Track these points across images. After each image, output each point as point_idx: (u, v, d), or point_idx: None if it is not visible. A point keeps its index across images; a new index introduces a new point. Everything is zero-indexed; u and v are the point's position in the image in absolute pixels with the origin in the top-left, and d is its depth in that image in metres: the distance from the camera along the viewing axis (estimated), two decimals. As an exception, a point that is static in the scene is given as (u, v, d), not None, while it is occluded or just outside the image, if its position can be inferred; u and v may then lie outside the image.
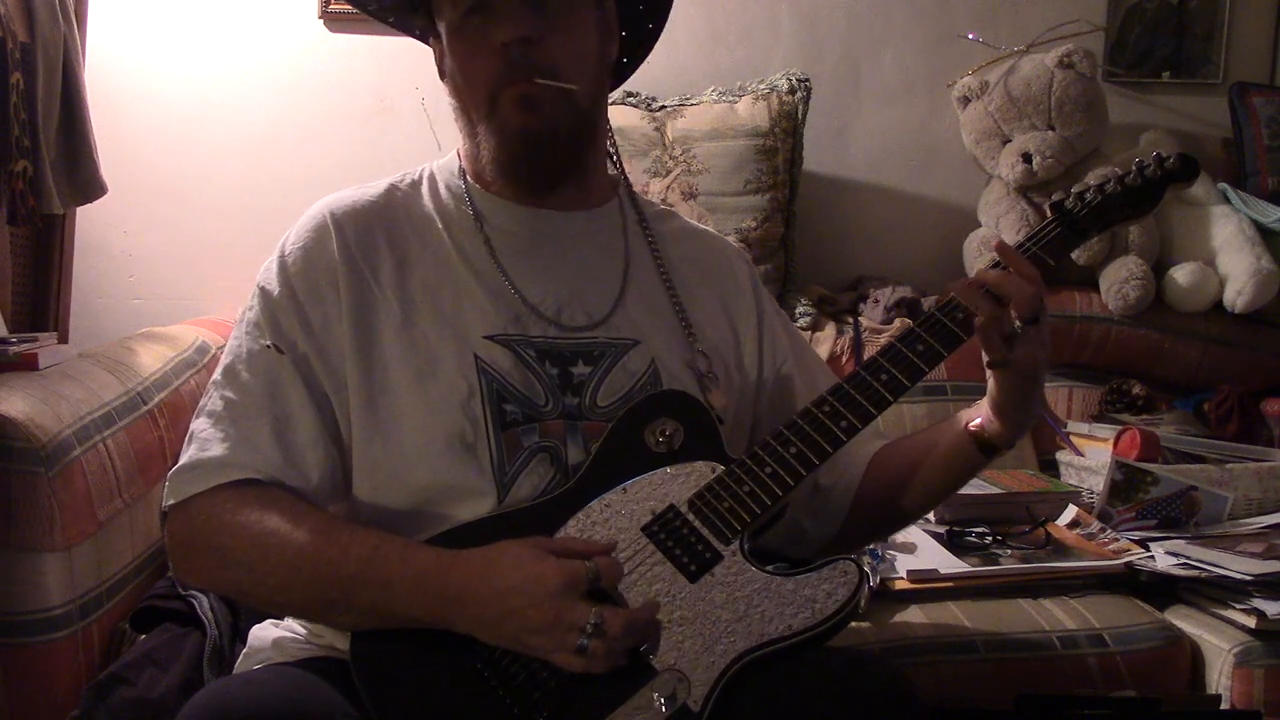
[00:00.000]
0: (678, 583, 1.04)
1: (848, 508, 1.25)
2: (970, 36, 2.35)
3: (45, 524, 1.36)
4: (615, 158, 1.32)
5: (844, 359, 2.06)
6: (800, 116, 2.20)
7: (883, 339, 2.05)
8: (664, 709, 0.99)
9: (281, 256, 1.17)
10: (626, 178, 1.32)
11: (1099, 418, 2.12)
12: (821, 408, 1.10)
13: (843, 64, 2.42)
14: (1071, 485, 1.92)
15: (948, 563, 1.58)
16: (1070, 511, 1.78)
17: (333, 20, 2.26)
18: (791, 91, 2.21)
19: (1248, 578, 1.50)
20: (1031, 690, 1.37)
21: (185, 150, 2.25)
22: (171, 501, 1.09)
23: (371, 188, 1.23)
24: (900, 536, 1.65)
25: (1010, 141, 2.25)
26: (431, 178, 1.25)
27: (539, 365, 1.14)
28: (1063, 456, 2.05)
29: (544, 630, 0.97)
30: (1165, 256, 2.22)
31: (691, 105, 2.22)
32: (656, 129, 2.17)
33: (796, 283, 2.23)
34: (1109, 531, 1.72)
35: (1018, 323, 1.09)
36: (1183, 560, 1.59)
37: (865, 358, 1.74)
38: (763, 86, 2.22)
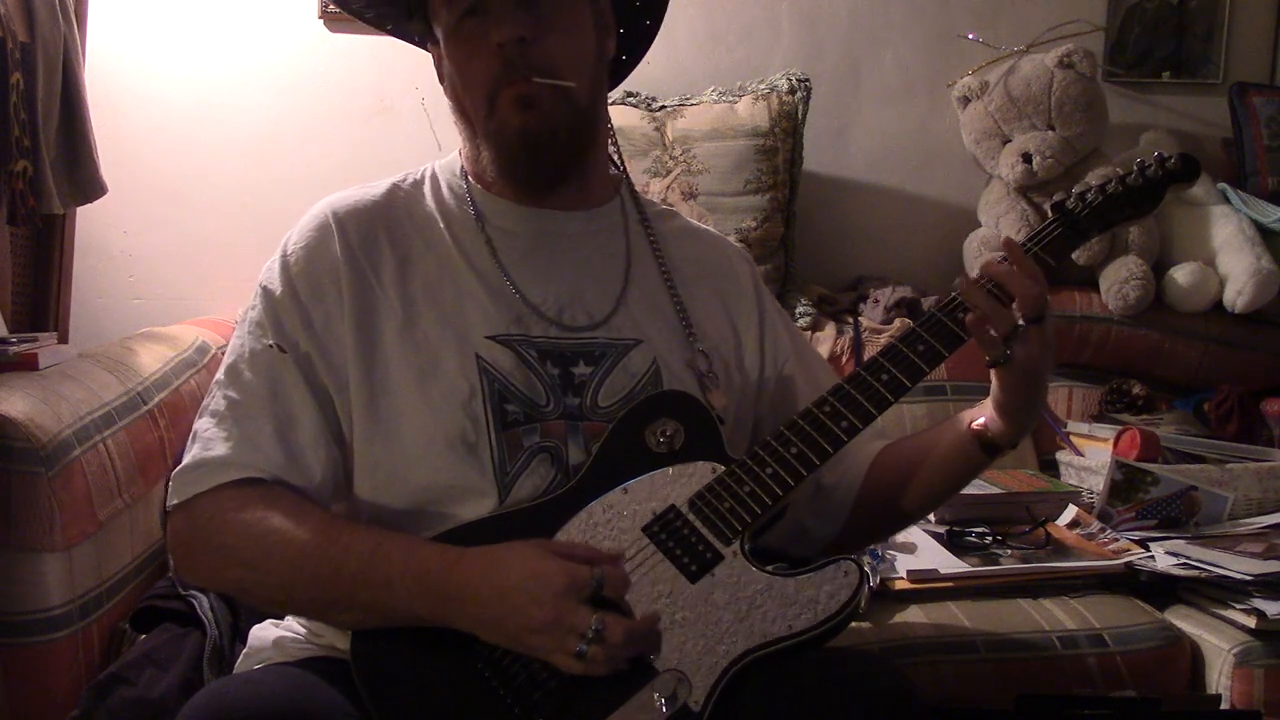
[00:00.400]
0: (678, 583, 1.04)
1: (850, 507, 1.25)
2: (970, 36, 2.35)
3: (45, 524, 1.36)
4: (618, 156, 1.32)
5: (844, 359, 2.06)
6: (800, 116, 2.20)
7: (883, 339, 2.05)
8: (665, 709, 0.99)
9: (284, 256, 1.17)
10: (628, 177, 1.32)
11: (1099, 418, 2.12)
12: (822, 408, 1.10)
13: (843, 64, 2.42)
14: (1071, 485, 1.92)
15: (948, 563, 1.58)
16: (1070, 511, 1.78)
17: (333, 20, 2.26)
18: (791, 91, 2.21)
19: (1248, 578, 1.50)
20: (1031, 690, 1.37)
21: (185, 150, 2.25)
22: (176, 501, 1.09)
23: (374, 187, 1.23)
24: (900, 536, 1.65)
25: (1010, 141, 2.25)
26: (434, 177, 1.25)
27: (540, 365, 1.14)
28: (1063, 456, 2.06)
29: (544, 630, 0.97)
30: (1165, 256, 2.22)
31: (691, 105, 2.22)
32: (656, 129, 2.17)
33: (796, 283, 2.23)
34: (1109, 531, 1.72)
35: (1021, 321, 1.08)
36: (1183, 560, 1.59)
37: (865, 358, 1.75)
38: (763, 86, 2.22)
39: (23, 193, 1.73)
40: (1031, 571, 1.59)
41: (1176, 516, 1.78)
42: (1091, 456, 1.99)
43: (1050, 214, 1.20)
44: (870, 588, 1.51)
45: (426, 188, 1.24)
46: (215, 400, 1.12)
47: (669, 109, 2.21)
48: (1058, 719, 1.36)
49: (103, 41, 2.17)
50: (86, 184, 1.92)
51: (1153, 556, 1.63)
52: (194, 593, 1.50)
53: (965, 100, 2.32)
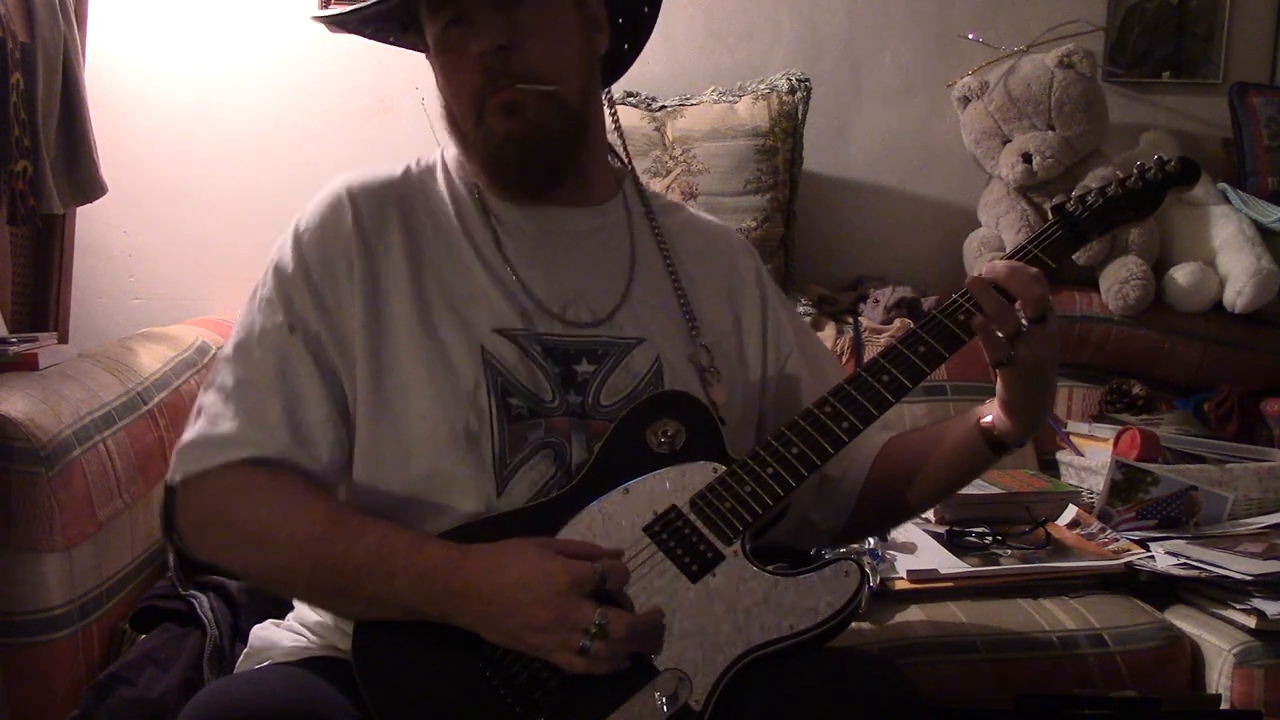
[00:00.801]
0: (679, 583, 1.04)
1: (855, 499, 1.26)
2: (970, 36, 2.35)
3: (45, 524, 1.36)
4: (624, 150, 1.31)
5: (844, 359, 2.05)
6: (800, 116, 2.20)
7: (883, 339, 2.05)
8: (665, 709, 0.99)
9: (296, 232, 1.17)
10: (633, 170, 1.31)
11: (1099, 418, 2.13)
12: (823, 408, 1.10)
13: (843, 64, 2.42)
14: (1071, 485, 1.92)
15: (948, 563, 1.58)
16: (1070, 511, 1.78)
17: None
18: (791, 91, 2.21)
19: (1248, 578, 1.50)
20: (1031, 690, 1.37)
21: (185, 150, 2.25)
22: (180, 476, 1.09)
23: (388, 167, 1.23)
24: (900, 536, 1.65)
25: (1010, 141, 2.25)
26: (444, 165, 1.25)
27: (544, 361, 1.14)
28: (1063, 456, 2.06)
29: (547, 628, 0.97)
30: (1165, 257, 2.22)
31: (691, 105, 2.22)
32: (656, 129, 2.17)
33: (796, 283, 2.24)
34: (1109, 531, 1.72)
35: (1025, 321, 1.08)
36: (1183, 560, 1.59)
37: (865, 358, 1.75)
38: (763, 86, 2.23)
39: (23, 193, 1.73)
40: (1031, 571, 1.59)
41: (1176, 516, 1.78)
42: (1091, 456, 1.99)
43: (1050, 216, 1.20)
44: (870, 588, 1.51)
45: (439, 172, 1.24)
46: (223, 376, 1.12)
47: (669, 109, 2.21)
48: (1058, 719, 1.36)
49: (103, 41, 2.17)
50: (86, 184, 1.92)
51: (1153, 556, 1.63)
52: (194, 593, 1.50)
53: (965, 100, 2.32)
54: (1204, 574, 1.54)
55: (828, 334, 2.11)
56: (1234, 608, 1.51)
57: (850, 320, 2.16)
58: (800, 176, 2.23)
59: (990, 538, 1.67)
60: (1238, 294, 2.13)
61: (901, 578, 1.55)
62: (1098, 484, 1.85)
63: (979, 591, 1.56)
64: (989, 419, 1.17)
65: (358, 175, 1.21)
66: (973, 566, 1.58)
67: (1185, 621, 1.55)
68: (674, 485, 1.09)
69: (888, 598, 1.53)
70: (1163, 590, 1.61)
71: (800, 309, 2.13)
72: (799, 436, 1.09)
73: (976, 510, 1.73)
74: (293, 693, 0.99)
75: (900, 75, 2.43)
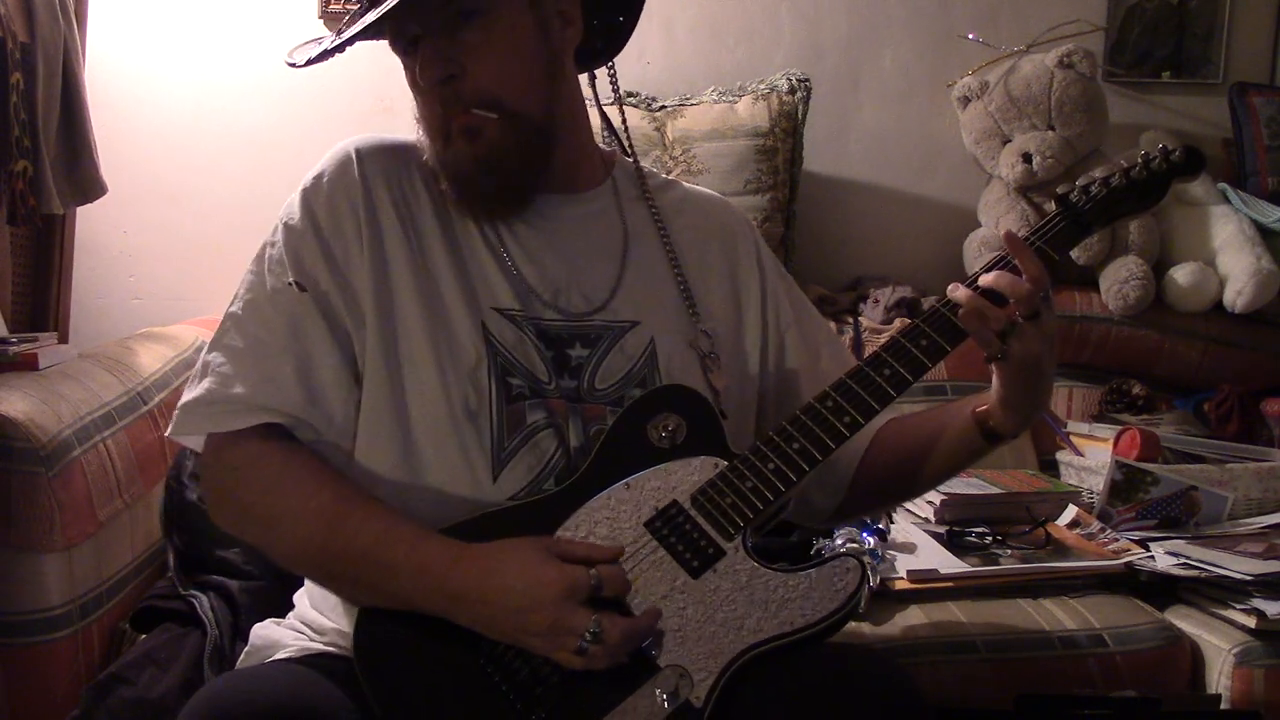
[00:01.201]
0: (680, 579, 1.04)
1: (850, 479, 1.26)
2: (970, 36, 2.35)
3: (45, 524, 1.36)
4: (625, 139, 1.29)
5: (844, 359, 2.05)
6: (800, 116, 2.21)
7: (883, 339, 2.04)
8: (666, 705, 0.99)
9: (304, 189, 1.16)
10: (634, 151, 1.30)
11: (1099, 418, 2.12)
12: (824, 402, 1.10)
13: (843, 64, 2.42)
14: (1071, 485, 1.92)
15: (948, 563, 1.58)
16: (1070, 511, 1.78)
17: (333, 20, 2.25)
18: (791, 91, 2.21)
19: (1248, 578, 1.50)
20: (1031, 690, 1.37)
21: (185, 150, 2.25)
22: (191, 433, 1.09)
23: (399, 136, 1.22)
24: (900, 536, 1.65)
25: (1010, 141, 2.25)
26: None
27: (540, 343, 1.14)
28: (1063, 456, 2.05)
29: (543, 634, 0.98)
30: (1165, 256, 2.22)
31: (691, 105, 2.22)
32: (656, 129, 2.17)
33: (796, 283, 2.23)
34: (1109, 531, 1.72)
35: (1017, 318, 1.08)
36: (1183, 560, 1.59)
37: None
38: (763, 86, 2.23)
39: (23, 193, 1.73)
40: (1031, 571, 1.59)
41: (1176, 516, 1.78)
42: (1091, 456, 1.99)
43: (1054, 207, 1.19)
44: (870, 588, 1.51)
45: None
46: (230, 335, 1.12)
47: (669, 109, 2.21)
48: (1058, 719, 1.36)
49: (103, 42, 2.17)
50: (86, 184, 1.92)
51: (1153, 556, 1.63)
52: (194, 593, 1.50)
53: (965, 100, 2.32)
54: (1204, 574, 1.54)
55: (828, 334, 2.11)
56: (1234, 608, 1.51)
57: (850, 320, 2.16)
58: (800, 176, 2.23)
59: (990, 538, 1.67)
60: (1238, 294, 2.13)
61: (901, 578, 1.55)
62: (1098, 484, 1.85)
63: (979, 591, 1.56)
64: (984, 409, 1.16)
65: (367, 136, 1.20)
66: (973, 566, 1.58)
67: (1185, 621, 1.55)
68: (675, 480, 1.08)
69: (888, 598, 1.53)
70: (1163, 590, 1.61)
71: (800, 309, 2.13)
72: (800, 431, 1.09)
73: (976, 510, 1.72)
74: (294, 689, 0.99)
75: (900, 75, 2.43)
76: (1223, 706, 1.44)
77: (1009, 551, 1.64)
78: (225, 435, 1.08)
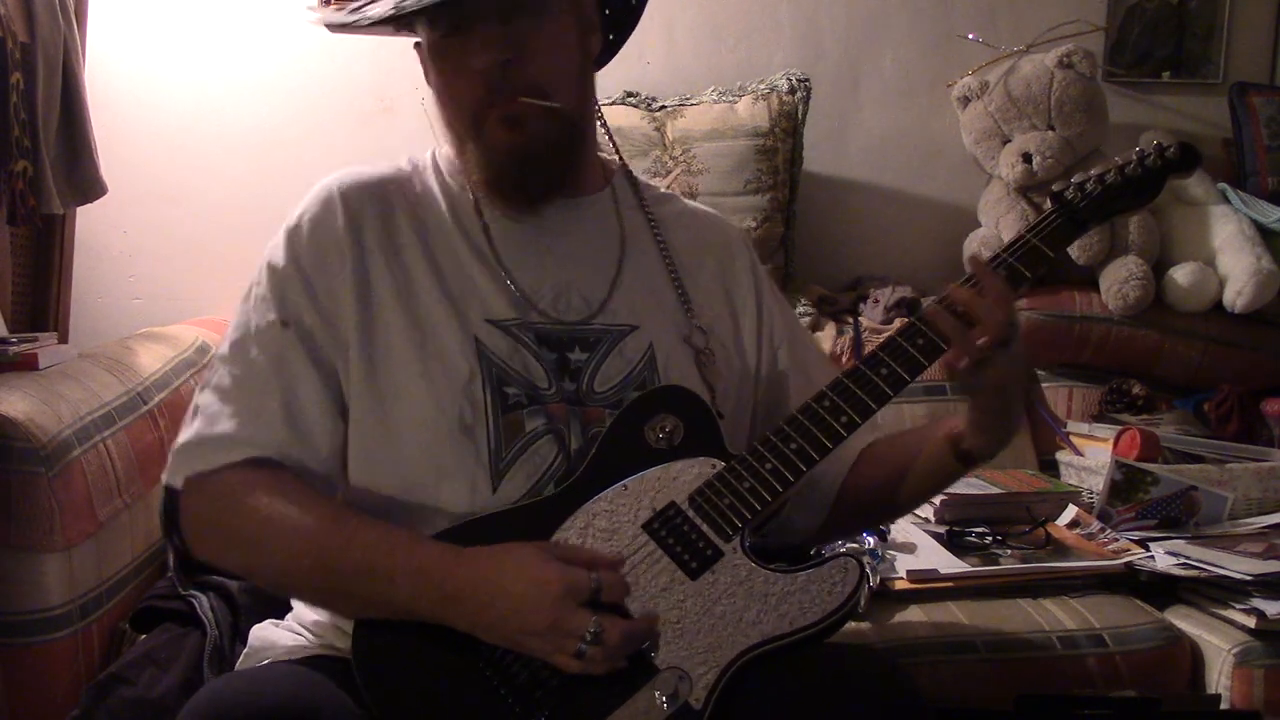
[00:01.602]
0: (679, 580, 1.04)
1: (833, 499, 1.26)
2: (970, 37, 2.35)
3: (45, 524, 1.36)
4: (613, 145, 1.31)
5: (844, 359, 2.06)
6: (800, 116, 2.21)
7: (883, 339, 2.04)
8: (666, 707, 0.99)
9: (288, 230, 1.17)
10: (624, 161, 1.31)
11: (1099, 418, 2.12)
12: (821, 403, 1.10)
13: (843, 64, 2.42)
14: (1071, 485, 1.92)
15: (948, 563, 1.58)
16: (1070, 511, 1.78)
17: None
18: (791, 91, 2.21)
19: (1248, 578, 1.50)
20: (1031, 690, 1.37)
21: (185, 151, 2.24)
22: (179, 478, 1.09)
23: (380, 165, 1.23)
24: (900, 536, 1.65)
25: (1010, 141, 2.25)
26: (435, 163, 1.25)
27: (537, 349, 1.14)
28: (1063, 456, 2.05)
29: (542, 635, 0.97)
30: (1165, 256, 2.22)
31: (691, 105, 2.22)
32: (656, 129, 2.17)
33: (796, 283, 2.24)
34: (1109, 531, 1.72)
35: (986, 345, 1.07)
36: (1183, 560, 1.58)
37: (865, 357, 1.74)
38: (763, 86, 2.23)
39: (23, 193, 1.73)
40: (1031, 571, 1.59)
41: (1176, 516, 1.78)
42: (1091, 456, 1.99)
43: (1050, 205, 1.18)
44: (870, 588, 1.51)
45: (430, 170, 1.24)
46: (219, 375, 1.12)
47: (669, 109, 2.21)
48: (1058, 719, 1.36)
49: (103, 42, 2.17)
50: (86, 184, 1.92)
51: (1153, 556, 1.63)
52: (194, 593, 1.50)
53: (965, 100, 2.32)
54: (1204, 574, 1.54)
55: (828, 334, 2.11)
56: (1234, 608, 1.50)
57: (850, 320, 2.16)
58: (800, 176, 2.23)
59: (990, 538, 1.67)
60: (1238, 294, 2.13)
61: (901, 578, 1.55)
62: (1098, 484, 1.85)
63: (979, 591, 1.56)
64: (957, 433, 1.16)
65: (348, 173, 1.21)
66: (973, 566, 1.58)
67: (1185, 621, 1.55)
68: (673, 481, 1.08)
69: (888, 598, 1.53)
70: (1163, 590, 1.61)
71: (800, 309, 2.13)
72: (797, 431, 1.09)
73: (976, 510, 1.72)
74: (293, 690, 0.99)
75: (900, 75, 2.43)
76: (1222, 706, 1.44)
77: (1009, 551, 1.64)
78: (210, 471, 1.08)
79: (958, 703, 1.40)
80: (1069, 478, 2.00)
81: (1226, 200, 2.25)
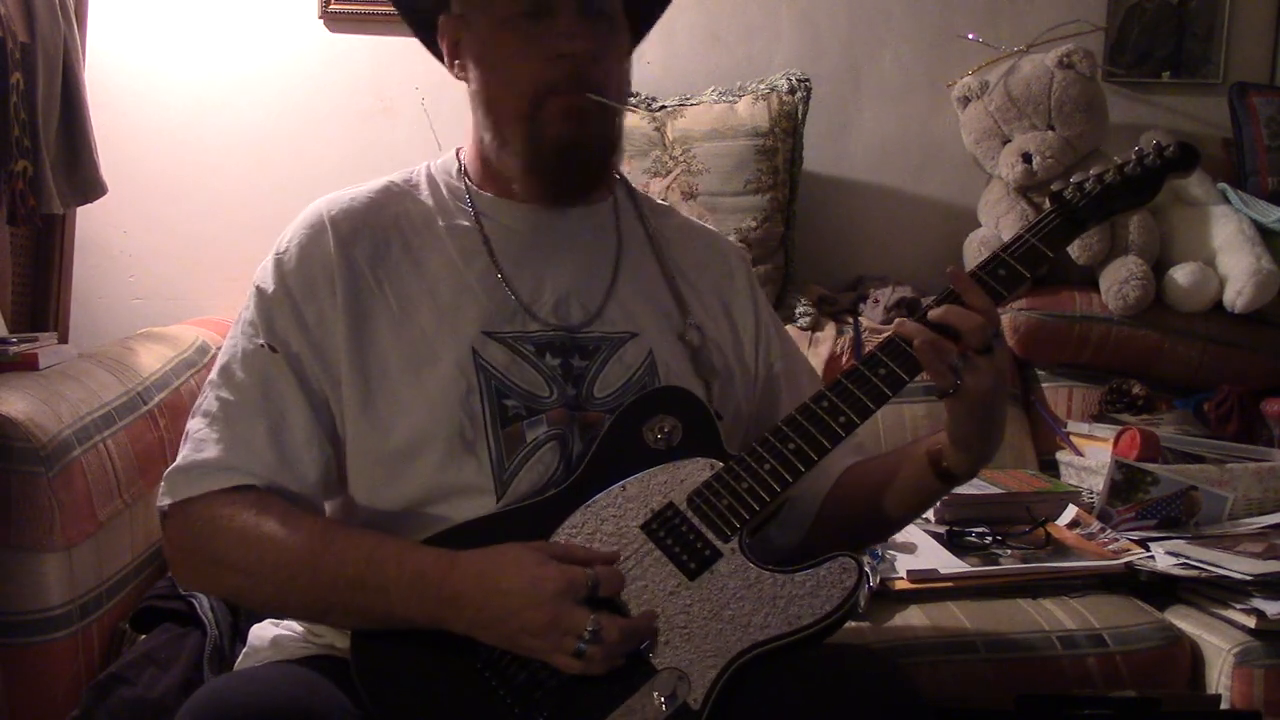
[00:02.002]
0: (677, 581, 1.04)
1: (813, 517, 1.25)
2: (970, 36, 2.35)
3: (45, 524, 1.36)
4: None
5: (844, 359, 2.06)
6: (800, 116, 2.20)
7: (882, 339, 2.04)
8: (664, 708, 0.99)
9: (277, 255, 1.17)
10: (622, 175, 1.32)
11: (1099, 418, 2.12)
12: (820, 403, 1.10)
13: (843, 64, 2.42)
14: (1071, 485, 1.92)
15: (948, 563, 1.58)
16: (1070, 511, 1.78)
17: (333, 20, 2.26)
18: (791, 91, 2.21)
19: (1248, 578, 1.50)
20: (1031, 690, 1.37)
21: (185, 150, 2.25)
22: (168, 501, 1.09)
23: (368, 186, 1.23)
24: (900, 536, 1.65)
25: (1010, 141, 2.25)
26: (430, 177, 1.25)
27: (538, 359, 1.14)
28: (1063, 456, 2.05)
29: (541, 633, 0.98)
30: (1165, 256, 2.22)
31: (691, 105, 2.22)
32: (656, 129, 2.17)
33: (796, 283, 2.23)
34: (1109, 531, 1.72)
35: (971, 353, 1.06)
36: (1183, 560, 1.58)
37: (865, 357, 1.73)
38: (763, 86, 2.22)
39: (23, 193, 1.73)
40: (1031, 571, 1.59)
41: (1176, 516, 1.78)
42: (1091, 456, 1.99)
43: (1049, 204, 1.18)
44: (870, 588, 1.51)
45: (423, 186, 1.24)
46: (208, 401, 1.12)
47: (669, 109, 2.21)
48: (1058, 719, 1.36)
49: (103, 41, 2.17)
50: (86, 184, 1.92)
51: (1153, 556, 1.63)
52: (194, 593, 1.50)
53: (965, 100, 2.32)
54: (1204, 574, 1.54)
55: (828, 334, 2.11)
56: (1234, 608, 1.50)
57: (850, 320, 2.16)
58: (800, 176, 2.23)
59: (990, 538, 1.67)
60: (1238, 294, 2.13)
61: (901, 578, 1.55)
62: (1098, 484, 1.85)
63: (979, 591, 1.56)
64: (938, 448, 1.15)
65: (337, 197, 1.21)
66: (973, 566, 1.58)
67: (1185, 621, 1.55)
68: (671, 482, 1.09)
69: (888, 598, 1.53)
70: (1163, 590, 1.61)
71: (800, 309, 2.13)
72: (796, 432, 1.09)
73: (976, 510, 1.72)
74: (292, 690, 0.99)
75: (900, 75, 2.43)
76: (1222, 706, 1.44)
77: (1009, 551, 1.64)
78: (195, 497, 1.07)
79: (958, 703, 1.40)
80: (1069, 478, 2.00)
81: (1226, 200, 2.25)
